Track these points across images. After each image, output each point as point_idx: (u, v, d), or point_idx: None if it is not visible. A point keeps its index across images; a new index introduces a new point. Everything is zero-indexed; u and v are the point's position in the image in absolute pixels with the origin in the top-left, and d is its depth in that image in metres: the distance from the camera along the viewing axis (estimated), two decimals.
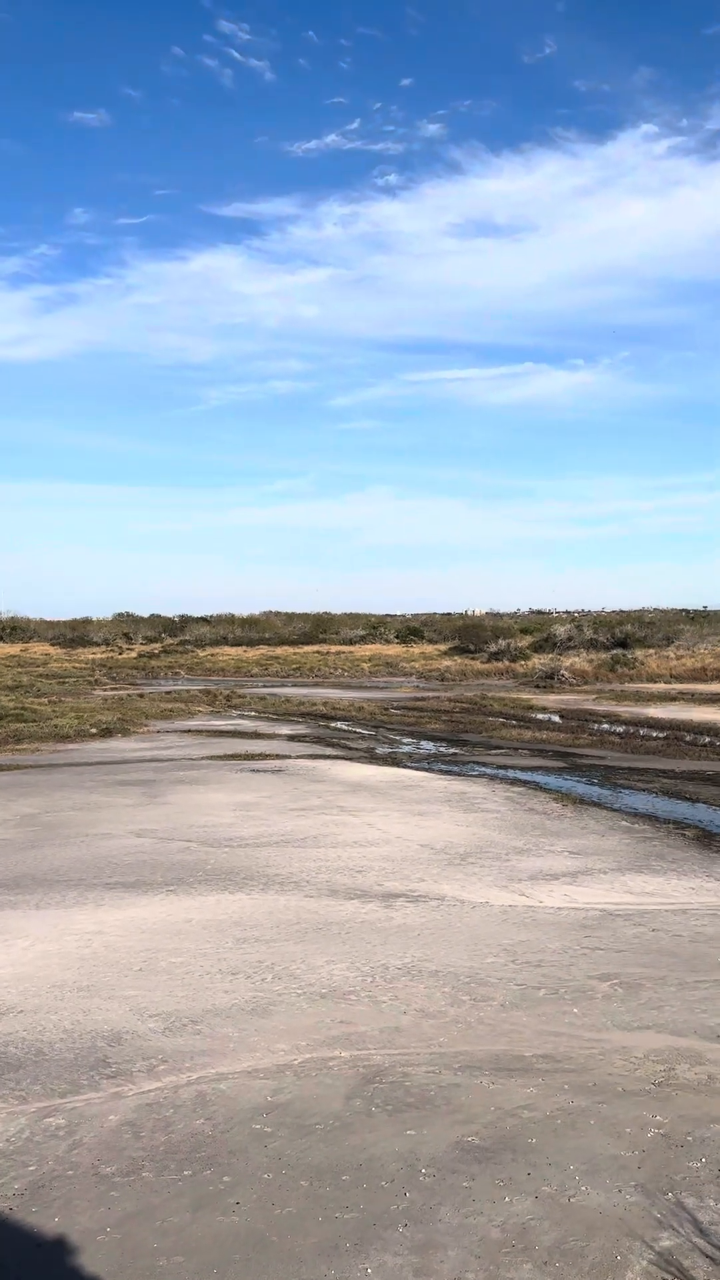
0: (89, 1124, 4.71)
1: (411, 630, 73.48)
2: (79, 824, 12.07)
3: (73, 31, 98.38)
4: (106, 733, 22.12)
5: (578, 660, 42.25)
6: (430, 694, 33.96)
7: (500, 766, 17.45)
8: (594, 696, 31.93)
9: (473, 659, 51.59)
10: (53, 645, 68.97)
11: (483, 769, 17.19)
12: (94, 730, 22.23)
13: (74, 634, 74.72)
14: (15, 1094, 5.02)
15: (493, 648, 52.05)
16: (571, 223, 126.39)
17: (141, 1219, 3.96)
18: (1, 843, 11.08)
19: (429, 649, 61.17)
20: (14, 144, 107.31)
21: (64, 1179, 4.25)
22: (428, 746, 20.59)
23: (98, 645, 70.24)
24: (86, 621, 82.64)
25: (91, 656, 59.75)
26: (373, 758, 18.61)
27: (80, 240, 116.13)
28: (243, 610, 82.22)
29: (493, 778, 16.09)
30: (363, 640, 68.92)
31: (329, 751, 19.39)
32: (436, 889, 9.05)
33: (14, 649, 64.16)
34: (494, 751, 19.56)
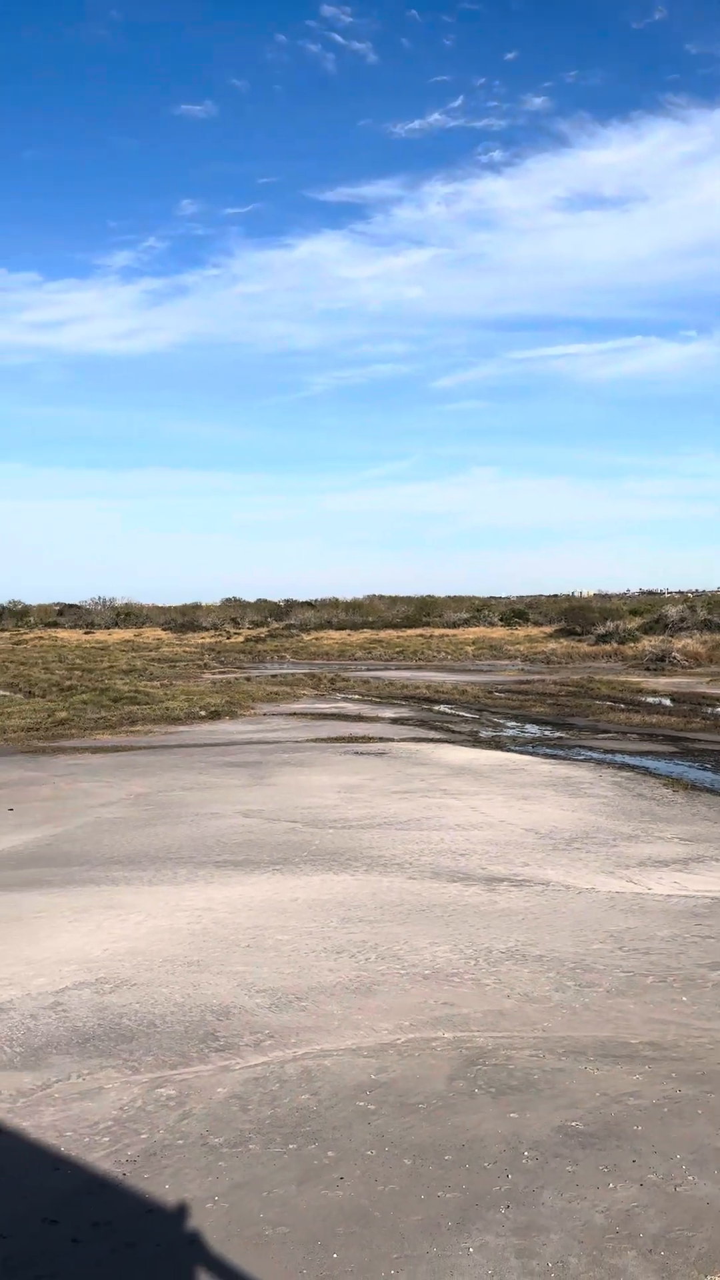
0: (198, 1095, 4.85)
1: (516, 613, 72.74)
2: (189, 804, 12.37)
3: (180, 26, 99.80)
4: (215, 715, 22.57)
5: (690, 642, 41.13)
6: (535, 677, 33.60)
7: (607, 751, 17.17)
8: (708, 680, 31.08)
9: (579, 641, 50.79)
10: (164, 630, 70.65)
11: (589, 753, 16.95)
12: (203, 713, 22.72)
13: (184, 619, 76.37)
14: (129, 1064, 5.20)
15: (600, 630, 51.11)
16: (683, 191, 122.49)
17: (248, 1189, 4.06)
18: (116, 821, 11.44)
19: (534, 631, 60.48)
20: (125, 139, 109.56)
21: (174, 1148, 4.39)
22: (532, 730, 20.39)
23: (206, 630, 71.65)
24: (196, 607, 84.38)
25: (200, 641, 61.00)
26: (476, 741, 18.53)
27: (188, 231, 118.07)
28: (346, 594, 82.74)
29: (600, 762, 15.84)
30: (466, 623, 68.55)
31: (432, 735, 19.39)
32: (541, 874, 8.98)
33: (128, 634, 65.97)
34: (601, 736, 19.25)
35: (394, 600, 79.62)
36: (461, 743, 18.22)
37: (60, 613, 79.73)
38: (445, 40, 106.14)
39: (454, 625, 67.48)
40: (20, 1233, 3.81)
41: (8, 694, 27.52)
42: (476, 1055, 5.24)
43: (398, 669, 39.45)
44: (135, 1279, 3.54)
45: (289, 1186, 4.07)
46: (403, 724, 21.14)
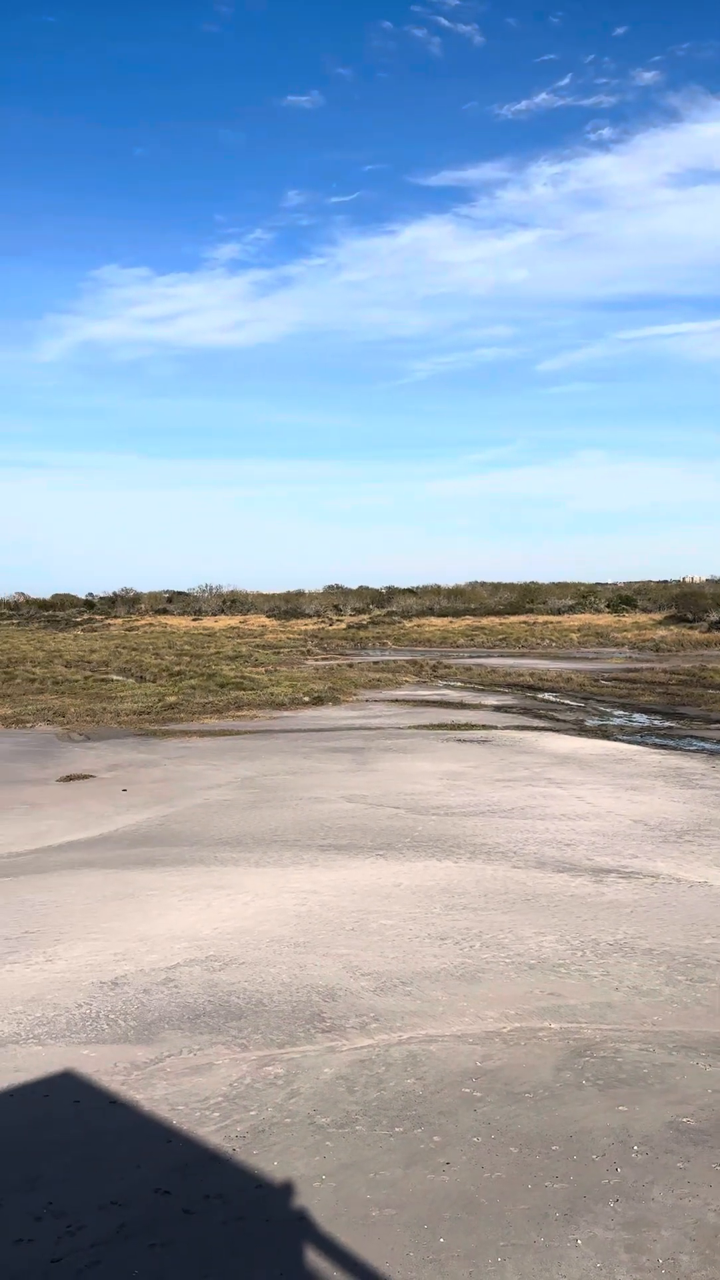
0: (305, 1075, 4.92)
1: (623, 599, 71.28)
2: (293, 788, 12.52)
3: (286, 18, 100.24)
4: (318, 701, 22.78)
5: None
6: (643, 665, 32.89)
7: None
8: None
9: (690, 628, 49.49)
10: (268, 617, 71.59)
11: (701, 744, 16.52)
12: (306, 698, 22.95)
13: (287, 606, 77.22)
14: (238, 1041, 5.31)
15: (713, 616, 49.71)
16: None
17: (355, 1170, 4.10)
18: (224, 803, 11.67)
19: (642, 618, 59.18)
20: (232, 133, 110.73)
21: (282, 1126, 4.46)
22: (640, 719, 19.97)
23: (309, 617, 72.28)
24: (299, 594, 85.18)
25: (304, 628, 61.60)
26: (582, 730, 18.25)
27: (293, 222, 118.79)
28: (448, 581, 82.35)
29: (713, 753, 15.43)
30: (571, 610, 67.50)
31: (536, 723, 19.17)
32: (650, 866, 8.80)
33: (234, 620, 67.08)
34: (714, 726, 18.75)
35: (496, 587, 78.90)
36: (566, 731, 17.97)
37: (169, 600, 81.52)
38: (553, 18, 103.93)
39: (559, 612, 66.53)
40: (136, 1201, 3.92)
41: (121, 678, 28.30)
42: (584, 1047, 5.18)
43: (500, 656, 39.12)
44: (245, 1252, 3.62)
45: (395, 1169, 4.10)
46: (506, 711, 20.96)
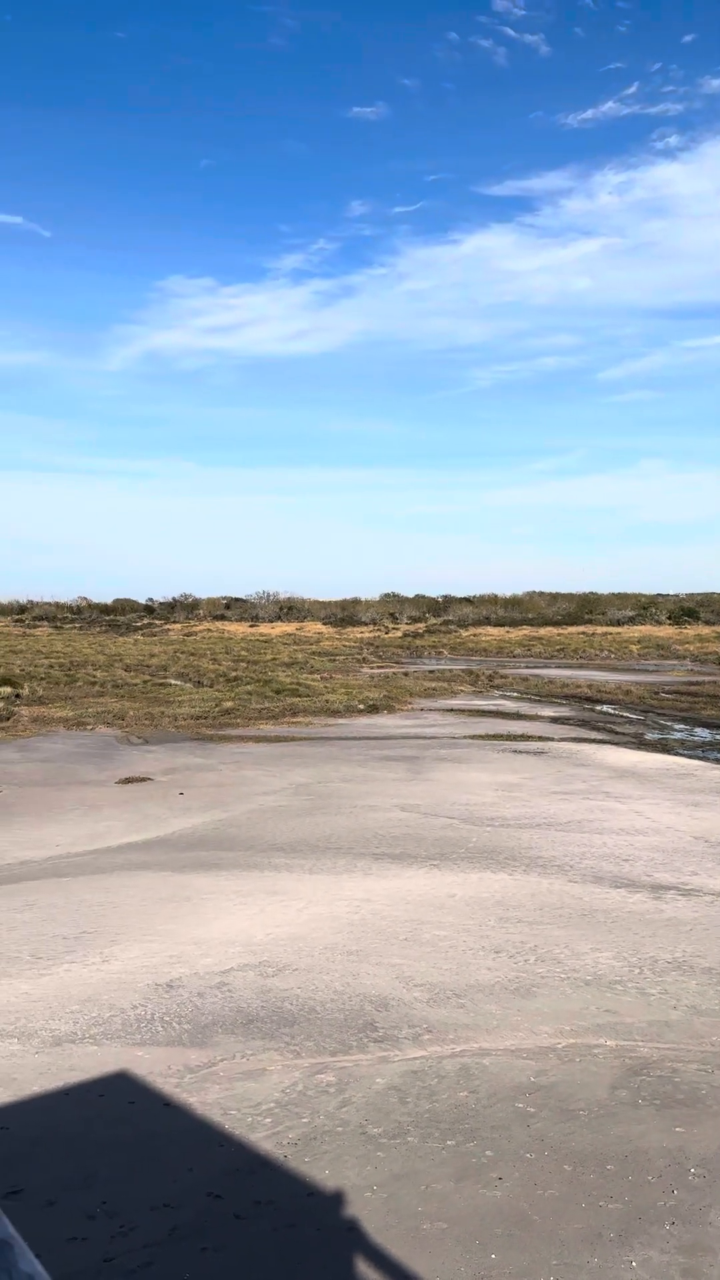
0: (357, 1084, 4.91)
1: (685, 611, 70.23)
2: (347, 795, 12.53)
3: (352, 31, 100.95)
4: (373, 709, 22.79)
5: None
6: (706, 678, 32.37)
7: None
8: None
9: None
10: (324, 624, 71.84)
11: None
12: (361, 706, 22.97)
13: (344, 614, 77.42)
14: (290, 1048, 5.32)
15: None
16: None
17: (406, 1182, 4.08)
18: (278, 809, 11.72)
19: (705, 630, 58.26)
20: (297, 144, 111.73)
21: (333, 1134, 4.45)
22: (702, 734, 19.65)
23: (365, 624, 72.39)
24: (355, 602, 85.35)
25: (359, 635, 61.69)
26: (641, 743, 18.01)
27: (357, 232, 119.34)
28: (505, 590, 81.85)
29: None
30: (631, 621, 66.69)
31: (594, 735, 18.96)
32: (711, 884, 8.64)
33: (290, 628, 67.44)
34: None
35: (554, 597, 78.28)
36: (625, 744, 17.75)
37: (227, 606, 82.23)
38: (620, 26, 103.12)
39: (618, 623, 65.78)
40: (187, 1204, 3.95)
41: (178, 683, 28.59)
42: (640, 1065, 5.09)
43: (558, 667, 38.79)
44: (295, 1260, 3.62)
45: (447, 1183, 4.07)
46: (563, 723, 20.77)
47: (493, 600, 77.72)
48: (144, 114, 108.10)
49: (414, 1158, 4.25)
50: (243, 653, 41.60)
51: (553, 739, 18.01)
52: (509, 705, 24.29)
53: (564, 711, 23.08)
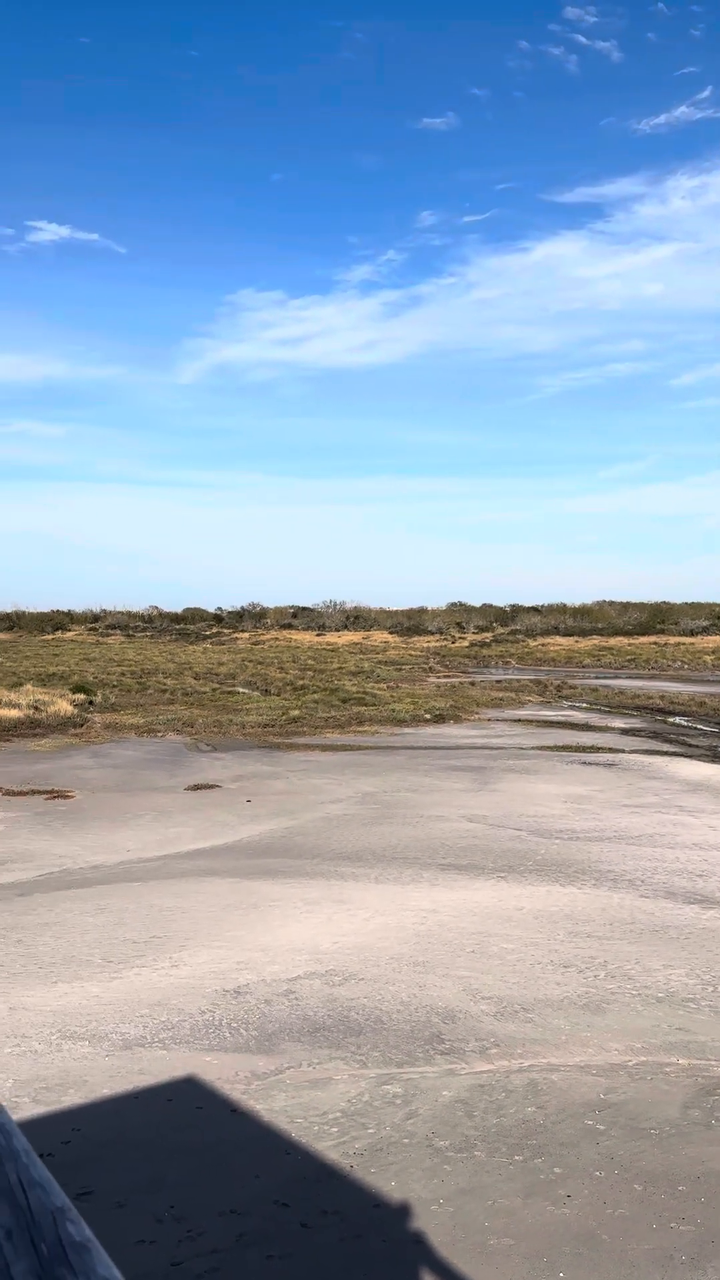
0: (424, 1096, 4.88)
1: None
2: (414, 805, 12.50)
3: (422, 42, 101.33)
4: (439, 719, 22.71)
5: None
6: None
7: None
8: None
9: None
10: (390, 633, 71.85)
11: None
12: (428, 716, 22.91)
13: (410, 623, 77.36)
14: (356, 1058, 5.31)
15: None
16: None
17: (473, 1196, 4.05)
18: (345, 817, 11.74)
19: None
20: (368, 156, 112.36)
21: (400, 1146, 4.44)
22: None
23: (432, 634, 72.23)
24: (421, 611, 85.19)
25: (426, 644, 61.57)
26: (715, 756, 17.65)
27: (426, 243, 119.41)
28: (574, 600, 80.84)
29: None
30: (705, 631, 65.45)
31: (666, 748, 18.64)
32: None
33: (356, 636, 67.61)
34: None
35: (625, 606, 77.18)
36: (699, 757, 17.41)
37: (294, 615, 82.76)
38: (694, 30, 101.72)
39: (691, 633, 64.61)
40: (255, 1211, 3.96)
41: (246, 691, 28.85)
42: (714, 1085, 4.98)
43: (629, 678, 38.24)
44: (361, 1271, 3.61)
45: (514, 1198, 4.02)
46: (634, 735, 20.46)
47: (561, 609, 76.94)
48: (217, 130, 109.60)
49: (481, 1172, 4.22)
50: (309, 661, 41.82)
51: (624, 750, 17.75)
52: (578, 716, 24.01)
53: (635, 723, 22.74)
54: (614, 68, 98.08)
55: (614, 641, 59.30)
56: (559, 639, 62.93)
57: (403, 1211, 3.95)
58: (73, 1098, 4.85)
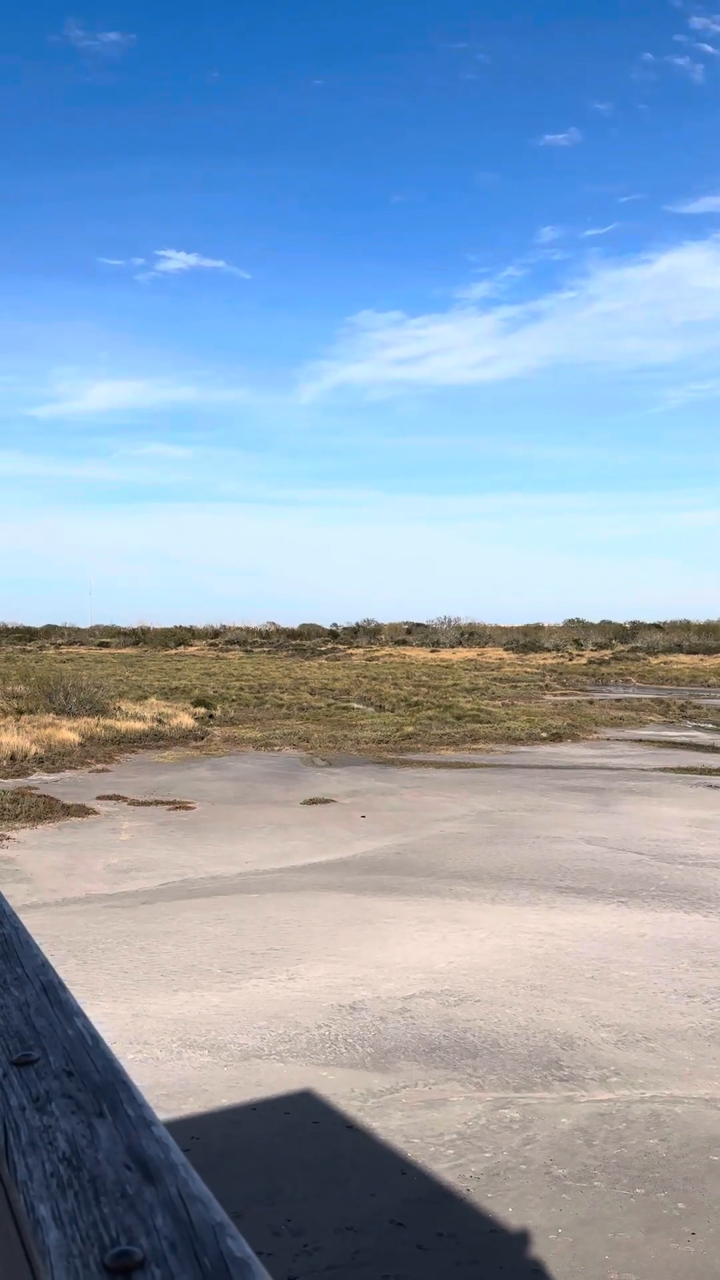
0: (541, 1122, 4.80)
1: None
2: (530, 825, 12.33)
3: (543, 59, 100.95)
4: (556, 737, 22.37)
5: None
6: None
7: None
8: None
9: None
10: (506, 650, 71.20)
11: None
12: (544, 734, 22.60)
13: (525, 639, 76.52)
14: (473, 1080, 5.26)
15: None
16: None
17: (593, 1228, 3.95)
18: (459, 835, 11.67)
19: None
20: (488, 174, 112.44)
21: (517, 1172, 4.37)
22: None
23: (548, 651, 71.25)
24: (538, 628, 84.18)
25: (542, 662, 60.77)
26: None
27: (546, 258, 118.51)
28: (699, 617, 78.63)
29: None
30: None
31: None
32: None
33: (471, 653, 67.24)
34: None
35: None
36: None
37: (409, 631, 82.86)
38: None
39: None
40: (370, 1230, 3.96)
41: (361, 707, 29.01)
42: None
43: None
44: None
45: (636, 1232, 3.92)
46: None
47: (685, 627, 74.87)
48: (339, 155, 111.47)
49: (601, 1203, 4.12)
50: (423, 678, 41.77)
51: None
52: (703, 737, 23.30)
53: None
54: None
55: None
56: (682, 657, 61.26)
57: (520, 1239, 3.89)
58: (192, 1106, 4.94)
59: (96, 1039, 0.98)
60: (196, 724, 23.06)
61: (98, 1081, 0.89)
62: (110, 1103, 0.86)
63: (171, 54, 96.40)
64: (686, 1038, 5.82)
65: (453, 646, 74.25)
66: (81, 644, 74.11)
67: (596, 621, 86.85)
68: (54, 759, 17.60)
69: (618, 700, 34.20)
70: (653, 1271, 3.68)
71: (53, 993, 1.09)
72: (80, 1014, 1.03)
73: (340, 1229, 3.96)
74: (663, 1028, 5.96)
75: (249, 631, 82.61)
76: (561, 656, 66.64)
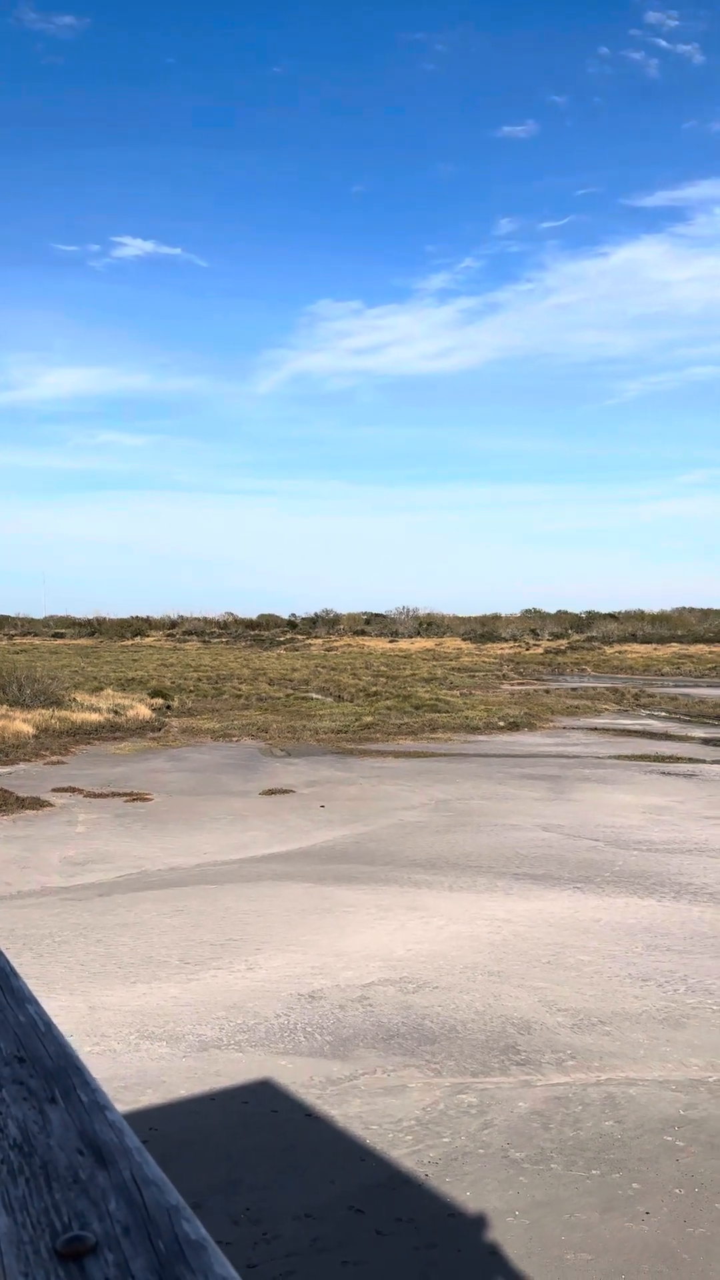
0: (499, 1107, 4.85)
1: None
2: (488, 813, 12.42)
3: (502, 51, 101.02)
4: (513, 726, 22.54)
5: None
6: None
7: None
8: None
9: None
10: (464, 640, 71.56)
11: None
12: (501, 723, 22.76)
13: (483, 629, 76.95)
14: (431, 1066, 5.30)
15: None
16: None
17: (549, 1209, 4.00)
18: (418, 825, 11.72)
19: None
20: (447, 165, 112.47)
21: (475, 1156, 4.41)
22: None
23: (506, 641, 71.72)
24: (495, 618, 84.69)
25: (499, 652, 61.16)
26: None
27: (503, 250, 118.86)
28: (653, 606, 79.60)
29: None
30: None
31: None
32: None
33: (429, 643, 67.47)
34: None
35: (706, 613, 75.68)
36: None
37: (367, 621, 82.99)
38: None
39: None
40: (329, 1217, 3.98)
41: (319, 697, 29.00)
42: None
43: (709, 686, 37.47)
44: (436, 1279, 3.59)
45: (591, 1213, 3.97)
46: (716, 745, 20.03)
47: (640, 616, 75.75)
48: (298, 144, 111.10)
49: (558, 1185, 4.17)
50: (382, 668, 41.85)
51: (704, 761, 17.40)
52: (657, 725, 23.61)
53: (716, 733, 22.27)
54: (696, 70, 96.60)
55: (695, 649, 58.18)
56: (637, 646, 61.95)
57: (478, 1222, 3.93)
58: (150, 1098, 4.92)
59: (49, 1025, 0.97)
60: (154, 715, 22.91)
61: (50, 1067, 0.89)
62: (63, 1088, 0.85)
63: (127, 39, 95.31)
64: (641, 1021, 5.90)
65: (411, 637, 74.45)
66: (36, 635, 73.25)
67: (553, 612, 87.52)
68: (7, 751, 17.40)
69: (574, 689, 34.52)
70: (608, 1250, 3.73)
71: (3, 979, 1.08)
72: (33, 1000, 1.02)
73: (299, 1216, 3.97)
74: (618, 1011, 6.04)
75: (207, 622, 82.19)
76: (519, 646, 67.09)
